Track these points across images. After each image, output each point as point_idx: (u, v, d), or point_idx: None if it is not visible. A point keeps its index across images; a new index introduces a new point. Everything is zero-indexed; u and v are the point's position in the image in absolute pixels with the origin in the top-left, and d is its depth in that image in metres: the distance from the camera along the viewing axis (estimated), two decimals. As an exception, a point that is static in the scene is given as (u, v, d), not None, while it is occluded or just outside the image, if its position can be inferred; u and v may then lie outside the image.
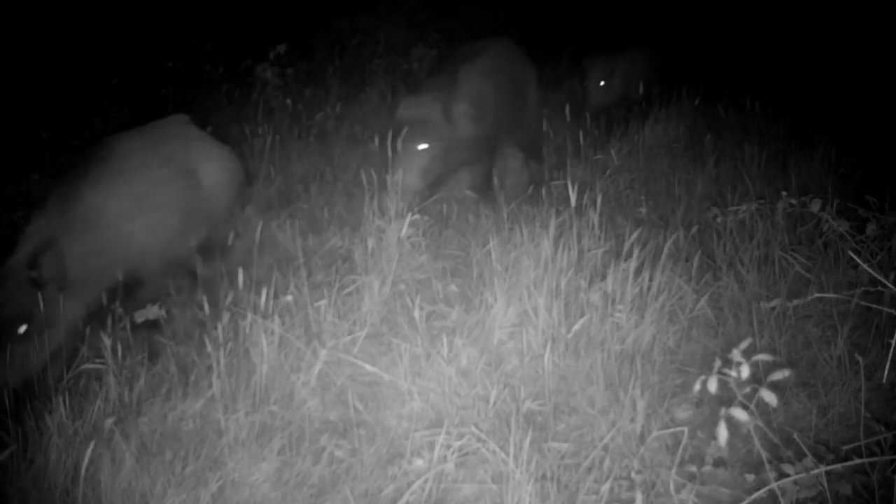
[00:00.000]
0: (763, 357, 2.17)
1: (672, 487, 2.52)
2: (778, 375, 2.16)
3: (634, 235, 3.56)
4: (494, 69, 4.81)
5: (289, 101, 5.94)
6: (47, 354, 3.13)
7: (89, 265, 3.27)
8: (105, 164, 3.54)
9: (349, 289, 3.68)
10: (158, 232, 3.58)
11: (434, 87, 4.60)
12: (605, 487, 2.60)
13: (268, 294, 3.27)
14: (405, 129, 4.32)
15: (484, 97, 4.63)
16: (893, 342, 2.47)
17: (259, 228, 3.80)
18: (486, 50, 4.90)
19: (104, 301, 3.29)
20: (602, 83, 6.24)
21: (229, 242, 3.85)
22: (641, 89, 6.08)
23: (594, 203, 3.84)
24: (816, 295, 3.17)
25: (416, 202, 4.29)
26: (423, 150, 4.35)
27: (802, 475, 2.34)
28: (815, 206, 3.36)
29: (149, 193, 3.57)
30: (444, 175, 4.58)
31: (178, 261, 3.73)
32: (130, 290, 3.43)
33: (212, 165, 3.88)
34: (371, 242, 3.89)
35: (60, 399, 2.90)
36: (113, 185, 3.48)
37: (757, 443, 2.40)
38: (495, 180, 5.18)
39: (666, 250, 3.58)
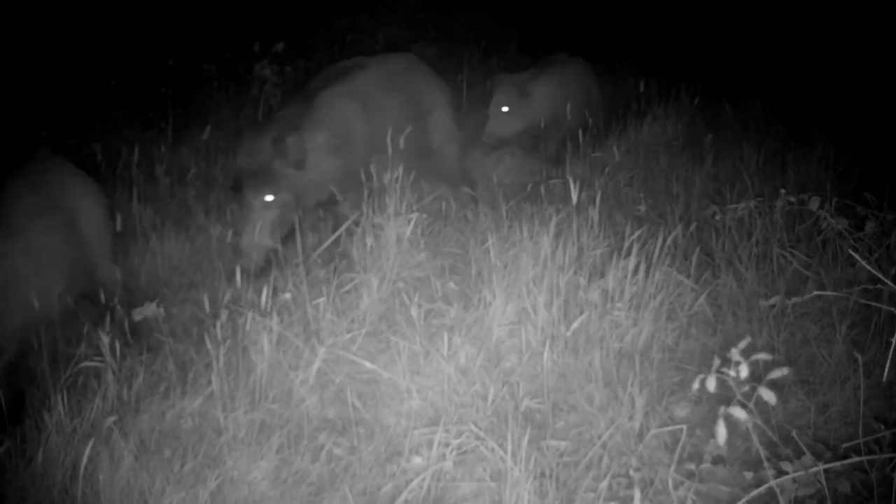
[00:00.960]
0: (762, 356, 2.17)
1: (670, 485, 2.52)
2: (777, 374, 2.16)
3: (636, 234, 3.56)
4: (373, 91, 4.24)
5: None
6: None
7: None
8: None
9: (348, 287, 3.68)
10: (48, 293, 3.17)
11: (284, 118, 4.01)
12: (604, 485, 2.61)
13: (266, 292, 3.27)
14: (246, 180, 3.83)
15: (351, 124, 4.11)
16: (894, 340, 2.47)
17: (257, 226, 3.80)
18: (361, 69, 4.31)
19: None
20: (506, 108, 5.19)
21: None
22: (570, 115, 5.20)
23: (593, 201, 3.84)
24: (815, 293, 3.17)
25: (271, 259, 3.84)
26: (270, 202, 3.83)
27: (801, 473, 2.34)
28: (814, 204, 3.36)
29: (40, 253, 3.17)
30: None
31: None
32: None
33: (90, 209, 3.43)
34: (369, 240, 3.89)
35: (59, 397, 2.90)
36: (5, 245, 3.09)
37: (755, 441, 2.39)
38: (494, 179, 5.18)
39: (665, 248, 3.58)
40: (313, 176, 3.93)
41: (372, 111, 4.20)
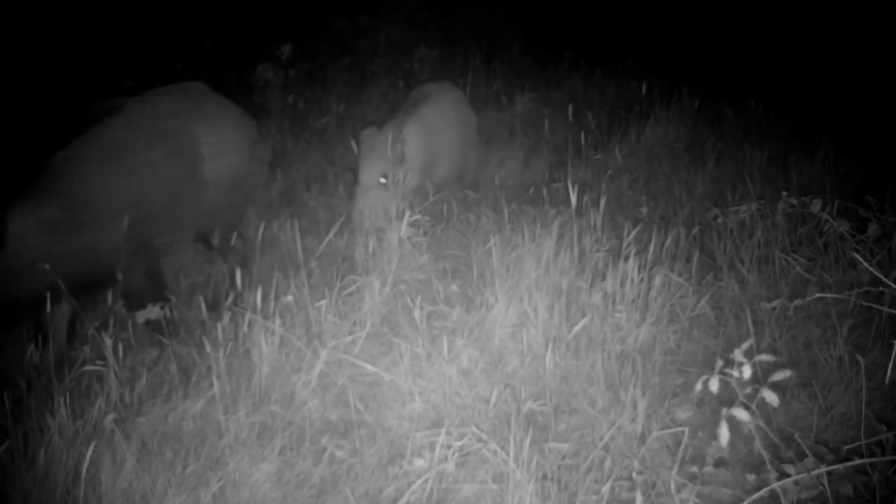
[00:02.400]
0: (764, 357, 2.17)
1: (673, 488, 2.52)
2: (779, 376, 2.17)
3: (636, 235, 3.56)
4: (130, 145, 3.50)
5: (290, 101, 5.94)
6: None
7: None
8: None
9: (350, 289, 3.68)
10: None
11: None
12: (606, 488, 2.60)
13: (268, 294, 3.27)
14: None
15: (94, 195, 3.37)
16: (896, 342, 2.47)
17: (260, 229, 3.80)
18: (116, 117, 3.53)
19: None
20: (383, 180, 4.15)
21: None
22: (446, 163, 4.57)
23: (595, 203, 3.85)
24: (817, 295, 3.17)
25: None
26: None
27: (803, 475, 2.35)
28: (816, 207, 3.36)
29: None
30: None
31: None
32: None
33: None
34: (371, 242, 3.89)
35: (61, 399, 2.90)
36: None
37: (758, 443, 2.40)
38: (496, 181, 5.18)
39: (667, 250, 3.58)
40: (34, 263, 3.17)
41: (128, 170, 3.47)
